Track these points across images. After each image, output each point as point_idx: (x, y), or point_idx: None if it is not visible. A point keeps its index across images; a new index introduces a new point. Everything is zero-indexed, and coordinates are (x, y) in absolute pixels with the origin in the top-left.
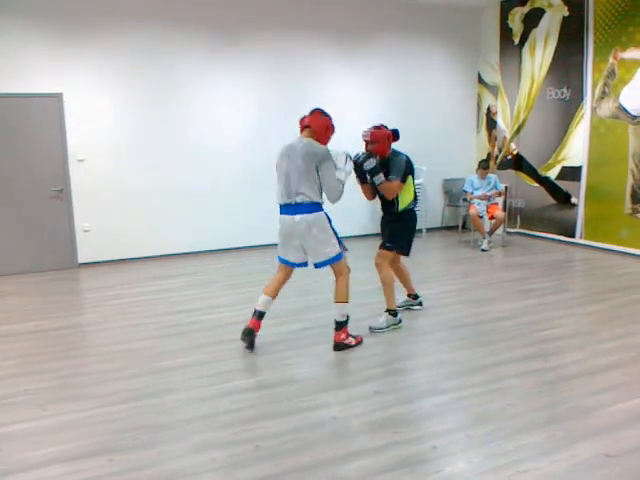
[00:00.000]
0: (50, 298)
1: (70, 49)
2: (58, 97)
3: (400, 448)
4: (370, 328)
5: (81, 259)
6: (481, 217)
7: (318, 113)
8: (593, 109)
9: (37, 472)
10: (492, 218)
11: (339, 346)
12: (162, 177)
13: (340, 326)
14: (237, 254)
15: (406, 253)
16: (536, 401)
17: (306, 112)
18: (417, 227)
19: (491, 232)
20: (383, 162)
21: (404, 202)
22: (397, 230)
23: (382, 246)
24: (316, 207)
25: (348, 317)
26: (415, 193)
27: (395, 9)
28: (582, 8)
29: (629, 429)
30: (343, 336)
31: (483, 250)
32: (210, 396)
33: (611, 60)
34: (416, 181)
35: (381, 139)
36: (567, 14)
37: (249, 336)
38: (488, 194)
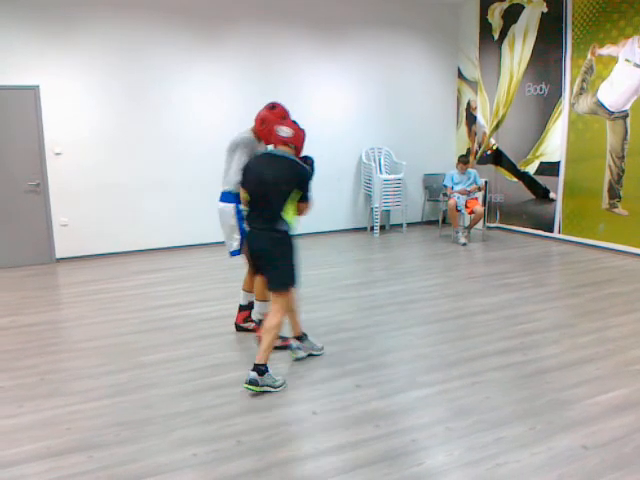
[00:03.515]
0: (27, 293)
1: (47, 41)
2: (35, 90)
3: (381, 442)
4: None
5: (59, 254)
6: (459, 211)
7: (266, 107)
8: (571, 105)
9: (14, 470)
10: (471, 213)
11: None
12: (142, 170)
13: (240, 309)
14: (218, 248)
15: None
16: (515, 394)
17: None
18: (397, 222)
19: (470, 226)
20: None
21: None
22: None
23: None
24: (228, 197)
25: (252, 304)
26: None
27: (375, 3)
28: (560, 5)
29: (605, 421)
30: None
31: (463, 244)
32: (192, 391)
33: (589, 56)
34: (396, 176)
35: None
36: (546, 10)
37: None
38: (468, 189)
